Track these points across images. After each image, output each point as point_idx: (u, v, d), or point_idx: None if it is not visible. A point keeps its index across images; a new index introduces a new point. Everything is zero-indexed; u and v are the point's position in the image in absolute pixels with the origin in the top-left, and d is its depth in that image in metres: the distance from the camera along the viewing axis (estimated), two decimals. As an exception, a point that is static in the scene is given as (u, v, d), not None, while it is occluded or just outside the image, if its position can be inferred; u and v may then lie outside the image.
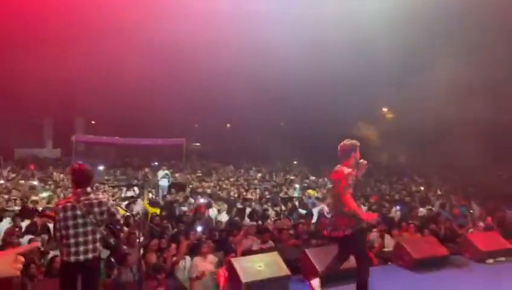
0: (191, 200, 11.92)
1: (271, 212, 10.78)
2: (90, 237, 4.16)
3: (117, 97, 21.72)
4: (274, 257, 5.90)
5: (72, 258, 4.08)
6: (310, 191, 14.15)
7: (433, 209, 11.22)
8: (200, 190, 14.09)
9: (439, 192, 14.24)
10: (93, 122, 29.06)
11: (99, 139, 24.51)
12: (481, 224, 8.90)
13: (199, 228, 8.45)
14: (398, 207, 11.73)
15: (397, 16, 12.58)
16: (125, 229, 7.89)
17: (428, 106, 15.71)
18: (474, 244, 7.00)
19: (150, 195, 13.06)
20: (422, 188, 15.28)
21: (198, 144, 31.04)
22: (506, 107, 12.11)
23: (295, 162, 24.61)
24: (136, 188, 14.42)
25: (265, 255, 6.01)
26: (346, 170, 4.65)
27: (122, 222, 8.31)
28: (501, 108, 12.31)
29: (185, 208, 11.00)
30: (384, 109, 25.33)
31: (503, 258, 6.94)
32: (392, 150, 22.34)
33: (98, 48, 16.99)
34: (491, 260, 6.85)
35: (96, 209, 4.19)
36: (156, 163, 21.38)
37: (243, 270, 5.49)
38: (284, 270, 5.74)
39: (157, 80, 20.87)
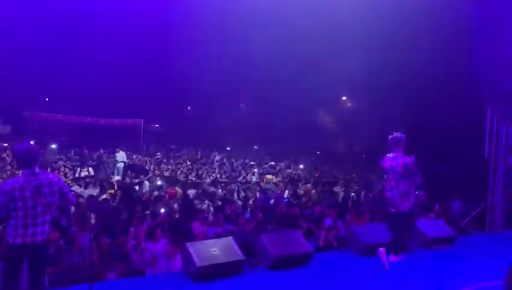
0: (146, 183, 11.73)
1: (232, 197, 10.82)
2: (39, 219, 4.00)
3: (73, 75, 20.97)
4: (229, 242, 5.93)
5: (19, 241, 3.92)
6: (268, 176, 14.31)
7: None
8: (157, 173, 13.90)
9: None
10: (47, 99, 27.89)
11: (54, 117, 23.61)
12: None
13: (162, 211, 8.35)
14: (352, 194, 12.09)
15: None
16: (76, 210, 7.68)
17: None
18: (421, 232, 7.30)
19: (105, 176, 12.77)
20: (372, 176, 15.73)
21: (157, 125, 30.49)
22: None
23: (255, 147, 24.72)
24: (90, 169, 14.04)
25: (220, 240, 6.03)
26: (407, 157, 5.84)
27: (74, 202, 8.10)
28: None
29: (144, 190, 10.86)
30: (344, 98, 25.80)
31: (447, 245, 7.31)
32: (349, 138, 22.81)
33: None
34: (436, 247, 7.19)
35: (46, 190, 4.02)
36: (113, 144, 20.86)
37: (197, 255, 5.48)
38: (239, 255, 5.79)
39: (117, 59, 20.30)
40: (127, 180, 12.38)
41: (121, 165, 14.24)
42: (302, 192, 12.20)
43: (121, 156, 14.58)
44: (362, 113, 21.17)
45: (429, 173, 13.07)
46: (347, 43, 15.26)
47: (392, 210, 6.01)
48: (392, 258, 6.03)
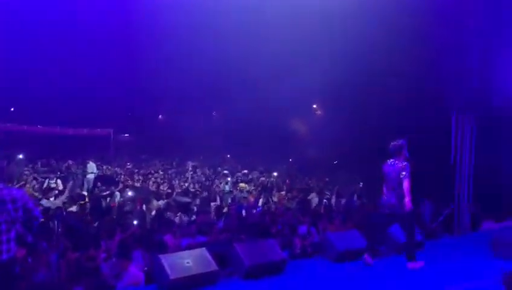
0: (117, 194, 11.50)
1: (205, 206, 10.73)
2: (4, 237, 3.84)
3: (40, 84, 20.46)
4: (202, 252, 5.88)
5: None
6: (242, 185, 14.28)
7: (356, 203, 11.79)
8: (129, 183, 13.65)
9: (360, 185, 14.96)
10: (12, 109, 27.05)
11: (19, 127, 22.90)
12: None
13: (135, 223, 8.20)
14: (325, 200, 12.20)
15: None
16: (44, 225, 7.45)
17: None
18: (393, 238, 7.43)
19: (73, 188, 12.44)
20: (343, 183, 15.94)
21: (127, 135, 30.01)
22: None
23: (228, 155, 24.66)
24: (59, 181, 13.66)
25: (194, 251, 5.97)
26: (402, 163, 6.26)
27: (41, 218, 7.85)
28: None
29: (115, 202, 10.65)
30: (314, 106, 26.08)
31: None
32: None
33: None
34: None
35: (10, 206, 3.88)
36: (81, 154, 20.41)
37: (170, 267, 5.41)
38: (212, 266, 5.74)
39: (85, 68, 19.94)
40: (97, 191, 12.11)
41: (91, 176, 13.93)
42: (275, 200, 12.23)
43: (91, 167, 14.27)
44: (332, 120, 21.49)
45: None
46: (316, 51, 15.47)
47: (388, 212, 6.52)
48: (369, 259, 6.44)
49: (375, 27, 12.38)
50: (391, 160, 6.43)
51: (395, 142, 6.47)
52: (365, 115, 15.45)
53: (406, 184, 6.15)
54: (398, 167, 6.27)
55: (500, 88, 9.19)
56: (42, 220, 6.47)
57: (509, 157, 9.29)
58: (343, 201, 12.13)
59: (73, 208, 9.65)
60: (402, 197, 6.18)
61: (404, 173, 6.17)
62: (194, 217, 9.38)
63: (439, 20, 9.93)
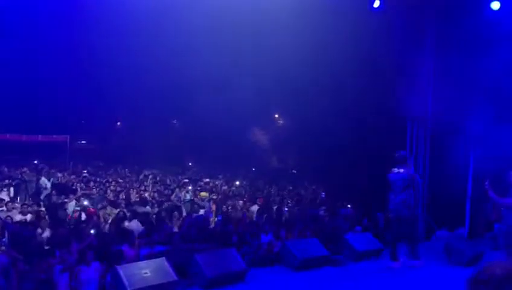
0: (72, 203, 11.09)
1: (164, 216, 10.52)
2: None
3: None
4: (161, 263, 5.78)
5: None
6: (203, 194, 14.12)
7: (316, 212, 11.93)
8: (85, 192, 13.20)
9: (323, 195, 15.18)
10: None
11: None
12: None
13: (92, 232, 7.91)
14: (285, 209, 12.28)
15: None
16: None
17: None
18: (351, 245, 7.57)
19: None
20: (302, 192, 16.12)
21: (84, 141, 29.11)
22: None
23: (190, 164, 24.39)
24: (11, 189, 13.04)
25: (153, 261, 5.86)
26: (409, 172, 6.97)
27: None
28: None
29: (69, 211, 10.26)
30: (276, 115, 26.33)
31: (375, 258, 7.64)
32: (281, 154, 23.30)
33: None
34: (365, 259, 7.48)
35: None
36: (36, 161, 19.60)
37: (127, 278, 5.27)
38: (171, 276, 5.65)
39: (41, 72, 19.27)
40: (53, 200, 11.62)
41: (45, 184, 13.35)
42: (238, 209, 12.19)
43: (43, 182, 13.66)
44: (293, 129, 21.78)
45: (357, 187, 13.75)
46: (279, 59, 15.64)
47: (394, 216, 7.06)
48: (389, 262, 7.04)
49: (339, 43, 12.69)
50: (396, 169, 7.07)
51: (400, 153, 7.31)
52: (326, 124, 15.74)
53: (411, 191, 6.89)
54: (404, 175, 6.95)
55: (450, 103, 9.64)
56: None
57: (460, 168, 9.69)
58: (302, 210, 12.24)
59: (27, 217, 9.25)
60: (406, 203, 6.84)
61: (411, 180, 6.91)
62: (154, 226, 9.18)
63: (398, 38, 10.35)
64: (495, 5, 9.36)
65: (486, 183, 6.60)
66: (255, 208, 12.36)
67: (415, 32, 10.20)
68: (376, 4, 10.31)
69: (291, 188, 16.97)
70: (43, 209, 10.20)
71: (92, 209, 10.14)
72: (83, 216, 9.74)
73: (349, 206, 11.95)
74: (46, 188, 13.10)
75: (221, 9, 14.31)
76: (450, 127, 9.68)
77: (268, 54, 16.06)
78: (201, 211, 11.25)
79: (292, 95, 18.05)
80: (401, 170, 7.03)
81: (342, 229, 9.44)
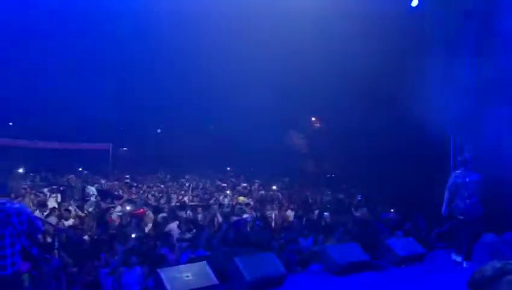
0: (118, 208, 11.46)
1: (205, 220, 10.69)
2: (8, 251, 3.85)
3: (38, 99, 20.57)
4: (202, 266, 5.86)
5: None
6: (241, 198, 14.20)
7: (356, 215, 11.76)
8: (128, 197, 13.60)
9: (358, 198, 14.92)
10: (10, 123, 27.08)
11: (18, 142, 22.87)
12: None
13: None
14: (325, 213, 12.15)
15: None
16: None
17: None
18: (392, 250, 7.41)
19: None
20: (342, 196, 15.91)
21: (125, 148, 29.99)
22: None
23: (228, 169, 24.60)
24: (59, 195, 13.62)
25: (194, 265, 5.94)
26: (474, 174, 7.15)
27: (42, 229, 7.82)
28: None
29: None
30: (313, 118, 26.19)
31: (418, 262, 7.44)
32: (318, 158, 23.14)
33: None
34: (407, 264, 7.31)
35: (15, 220, 3.89)
36: (80, 169, 20.39)
37: (169, 281, 5.38)
38: (212, 280, 5.71)
39: (86, 82, 20.04)
40: (99, 205, 12.04)
41: (92, 191, 13.82)
42: (275, 213, 12.20)
43: (91, 190, 14.14)
44: (331, 133, 21.59)
45: (398, 191, 13.45)
46: (316, 63, 15.57)
47: (464, 218, 7.14)
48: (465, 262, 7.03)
49: (376, 47, 12.54)
50: (459, 171, 7.28)
51: (463, 156, 7.76)
52: (365, 127, 15.52)
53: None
54: (476, 177, 7.15)
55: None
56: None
57: (508, 169, 9.30)
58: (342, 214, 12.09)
59: (71, 222, 9.62)
60: (476, 205, 7.04)
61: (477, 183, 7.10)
62: (194, 230, 9.34)
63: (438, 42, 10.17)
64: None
65: None
66: (292, 212, 12.33)
67: (455, 36, 9.91)
68: (414, 3, 10.10)
69: (329, 192, 16.80)
70: (90, 214, 10.58)
71: (141, 210, 10.42)
72: (127, 220, 10.01)
73: (392, 210, 11.69)
74: (93, 194, 13.58)
75: (252, 16, 14.45)
76: (494, 130, 9.33)
77: (305, 57, 16.03)
78: (241, 215, 11.30)
79: (329, 99, 17.93)
80: (467, 173, 7.20)
81: (383, 234, 9.27)
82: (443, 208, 7.42)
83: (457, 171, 7.32)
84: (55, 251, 6.85)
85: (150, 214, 10.85)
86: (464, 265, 7.06)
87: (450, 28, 9.97)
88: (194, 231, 9.03)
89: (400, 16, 10.95)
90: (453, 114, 9.83)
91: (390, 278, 6.74)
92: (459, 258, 7.40)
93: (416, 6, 10.06)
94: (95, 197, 13.12)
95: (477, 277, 1.67)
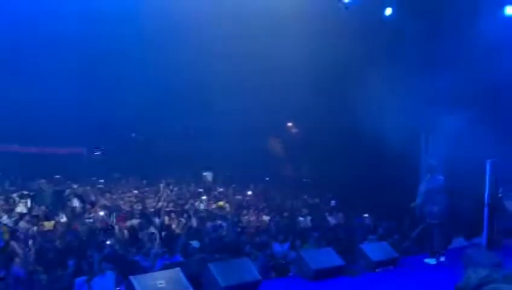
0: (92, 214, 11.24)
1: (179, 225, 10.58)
2: None
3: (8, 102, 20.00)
4: (176, 273, 5.78)
5: None
6: (220, 203, 14.04)
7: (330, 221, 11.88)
8: (102, 203, 13.34)
9: (333, 203, 15.04)
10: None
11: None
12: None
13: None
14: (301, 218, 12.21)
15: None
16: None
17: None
18: (366, 255, 7.49)
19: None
20: (317, 201, 16.02)
21: (98, 153, 29.42)
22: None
23: (204, 173, 24.41)
24: (28, 201, 13.25)
25: (167, 272, 5.87)
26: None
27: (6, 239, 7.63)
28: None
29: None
30: (289, 124, 26.32)
31: (391, 267, 7.55)
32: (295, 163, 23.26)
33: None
34: (381, 269, 7.40)
35: None
36: (53, 173, 19.91)
37: (142, 289, 5.29)
38: (186, 287, 5.64)
39: (58, 86, 19.61)
40: (71, 211, 11.78)
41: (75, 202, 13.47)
42: (252, 218, 12.19)
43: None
44: (307, 138, 21.73)
45: (371, 196, 13.64)
46: (293, 66, 15.65)
47: (436, 222, 7.52)
48: None
49: (351, 52, 12.70)
50: (428, 177, 7.68)
51: (430, 162, 8.17)
52: (340, 132, 15.70)
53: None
54: (439, 183, 7.56)
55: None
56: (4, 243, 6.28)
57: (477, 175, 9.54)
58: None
59: (44, 227, 9.39)
60: (445, 208, 7.47)
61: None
62: (168, 237, 9.24)
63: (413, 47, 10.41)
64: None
65: (501, 190, 6.56)
66: (268, 217, 12.34)
67: (428, 41, 10.19)
68: (388, 12, 10.32)
69: (305, 197, 16.89)
70: (63, 219, 10.36)
71: (122, 216, 10.27)
72: (100, 226, 9.84)
73: (365, 215, 11.85)
74: (69, 200, 13.27)
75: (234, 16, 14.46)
76: (464, 135, 9.61)
77: (280, 60, 16.09)
78: (216, 221, 11.25)
79: (305, 103, 18.04)
80: (440, 178, 7.63)
81: (357, 238, 9.38)
82: (412, 205, 7.81)
83: (427, 177, 7.69)
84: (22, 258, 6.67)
85: (126, 220, 10.71)
86: (434, 263, 7.48)
87: (421, 37, 10.22)
88: (169, 236, 8.94)
89: (373, 23, 11.15)
90: (422, 120, 10.08)
91: (364, 282, 6.81)
92: (432, 262, 7.60)
93: (390, 16, 10.27)
94: (71, 202, 12.85)
95: (463, 285, 1.71)
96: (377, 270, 7.34)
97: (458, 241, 9.34)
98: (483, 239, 8.75)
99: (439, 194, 7.54)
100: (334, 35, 12.45)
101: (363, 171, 15.20)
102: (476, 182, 9.14)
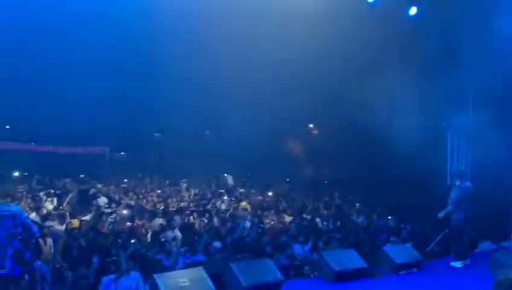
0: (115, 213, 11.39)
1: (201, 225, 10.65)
2: (0, 252, 3.82)
3: (37, 102, 20.54)
4: (199, 272, 5.83)
5: None
6: (243, 204, 14.01)
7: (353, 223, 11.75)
8: (126, 202, 13.55)
9: (357, 205, 14.89)
10: (7, 126, 27.01)
11: (13, 145, 22.82)
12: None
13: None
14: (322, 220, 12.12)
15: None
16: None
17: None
18: (389, 257, 7.39)
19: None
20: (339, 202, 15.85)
21: (123, 153, 29.91)
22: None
23: (225, 175, 24.55)
24: (55, 199, 13.55)
25: (190, 271, 5.92)
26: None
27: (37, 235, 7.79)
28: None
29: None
30: (311, 125, 26.19)
31: (415, 269, 7.43)
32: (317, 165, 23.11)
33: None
34: (404, 271, 7.29)
35: (9, 222, 3.87)
36: (78, 172, 20.32)
37: (165, 287, 5.35)
38: (209, 286, 5.68)
39: (79, 85, 19.99)
40: (96, 209, 11.99)
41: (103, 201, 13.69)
42: (273, 220, 12.17)
43: (102, 201, 13.97)
44: (329, 139, 21.58)
45: (394, 198, 13.44)
46: (312, 68, 15.56)
47: (464, 226, 7.61)
48: None
49: (372, 52, 12.58)
50: (458, 183, 7.72)
51: (459, 168, 8.40)
52: (364, 133, 15.52)
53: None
54: (468, 188, 7.69)
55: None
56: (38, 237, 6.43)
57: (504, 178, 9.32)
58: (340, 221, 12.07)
59: (69, 225, 9.56)
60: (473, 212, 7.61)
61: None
62: (190, 236, 9.31)
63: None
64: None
65: None
66: (289, 218, 12.29)
67: (453, 41, 10.00)
68: (413, 11, 10.18)
69: (327, 199, 16.77)
70: (88, 218, 10.53)
71: (137, 222, 10.41)
72: (125, 226, 9.98)
73: (389, 217, 11.69)
74: (95, 198, 13.49)
75: (255, 20, 14.46)
76: (491, 138, 9.37)
77: (301, 62, 16.03)
78: (238, 221, 11.26)
79: (326, 104, 17.94)
80: (468, 184, 7.77)
81: (380, 241, 9.27)
82: (441, 214, 7.65)
83: (457, 183, 7.71)
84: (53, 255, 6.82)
85: (148, 220, 10.83)
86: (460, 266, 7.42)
87: (447, 36, 10.04)
88: (192, 235, 9.01)
89: (399, 23, 11.01)
90: (450, 122, 9.88)
91: (388, 285, 6.73)
92: (458, 265, 7.48)
93: (415, 15, 10.13)
94: (97, 201, 13.06)
95: (501, 278, 1.80)
96: (400, 273, 7.25)
97: (485, 245, 9.13)
98: (511, 243, 8.56)
99: (468, 200, 7.57)
100: (358, 35, 12.33)
101: (386, 173, 15.01)
102: (503, 185, 8.96)
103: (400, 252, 7.61)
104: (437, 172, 10.53)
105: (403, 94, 11.03)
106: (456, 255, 7.78)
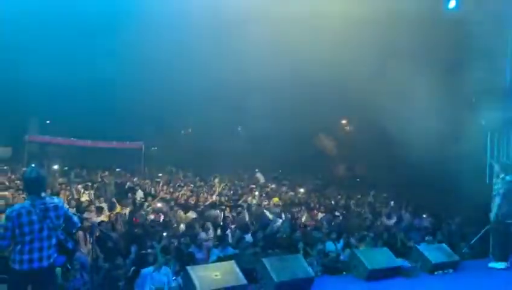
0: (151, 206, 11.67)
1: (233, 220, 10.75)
2: (45, 244, 4.00)
3: (75, 97, 21.24)
4: (231, 266, 5.87)
5: (26, 267, 3.90)
6: (275, 199, 14.03)
7: (387, 221, 11.56)
8: (160, 195, 13.83)
9: (392, 204, 14.64)
10: (48, 121, 28.05)
11: (54, 139, 23.67)
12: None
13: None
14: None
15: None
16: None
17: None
18: (425, 256, 7.23)
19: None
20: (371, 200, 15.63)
21: (155, 148, 30.53)
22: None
23: (256, 170, 24.66)
24: (92, 192, 13.98)
25: (222, 264, 5.98)
26: None
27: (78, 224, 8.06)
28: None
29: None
30: (344, 121, 25.92)
31: (451, 270, 7.23)
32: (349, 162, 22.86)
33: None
34: (440, 272, 7.11)
35: (52, 214, 4.04)
36: (114, 166, 20.91)
37: (198, 279, 5.42)
38: (241, 280, 5.72)
39: (117, 81, 20.48)
40: (132, 202, 12.31)
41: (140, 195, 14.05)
42: (303, 216, 12.14)
43: (139, 194, 14.32)
44: (361, 137, 21.28)
45: (434, 199, 13.09)
46: (346, 64, 15.35)
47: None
48: None
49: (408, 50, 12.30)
50: (507, 178, 7.32)
51: (505, 162, 7.94)
52: (396, 130, 15.21)
53: None
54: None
55: None
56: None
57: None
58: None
59: (104, 218, 9.86)
60: None
61: None
62: (222, 230, 9.41)
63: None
64: None
65: None
66: (321, 215, 12.23)
67: (493, 35, 9.61)
68: (452, 5, 9.87)
69: (359, 196, 16.56)
70: (125, 210, 10.82)
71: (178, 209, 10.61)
72: (159, 218, 10.19)
73: (424, 216, 11.43)
74: (133, 192, 13.84)
75: (283, 20, 14.40)
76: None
77: (334, 56, 15.84)
78: (270, 217, 11.29)
79: (361, 101, 17.66)
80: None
81: (415, 240, 9.09)
82: (492, 213, 7.39)
83: (501, 177, 7.37)
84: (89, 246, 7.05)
85: (181, 213, 11.01)
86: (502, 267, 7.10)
87: (488, 30, 9.66)
88: (224, 230, 9.10)
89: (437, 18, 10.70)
90: (489, 118, 9.52)
91: (422, 285, 6.58)
92: (499, 266, 7.21)
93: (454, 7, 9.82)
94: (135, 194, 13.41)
95: None
96: (435, 273, 7.07)
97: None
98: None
99: (511, 195, 7.22)
100: (397, 28, 12.08)
101: (421, 171, 14.65)
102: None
103: (435, 252, 7.40)
104: (476, 172, 10.19)
105: (441, 89, 10.73)
106: (496, 256, 7.43)
